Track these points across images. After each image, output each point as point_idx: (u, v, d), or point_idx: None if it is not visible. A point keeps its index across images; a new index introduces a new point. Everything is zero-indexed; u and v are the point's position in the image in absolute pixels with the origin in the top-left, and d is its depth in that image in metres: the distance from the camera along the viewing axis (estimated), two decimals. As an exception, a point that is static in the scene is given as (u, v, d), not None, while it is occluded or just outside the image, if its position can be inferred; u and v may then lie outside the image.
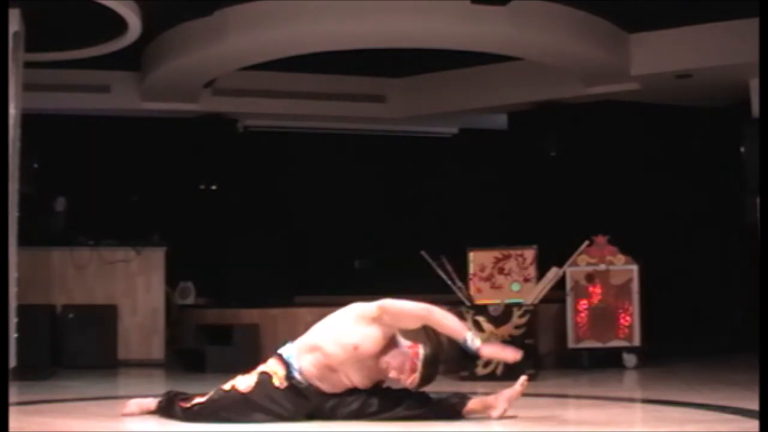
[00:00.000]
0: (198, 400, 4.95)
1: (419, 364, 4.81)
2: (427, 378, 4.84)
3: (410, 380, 4.82)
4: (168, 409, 5.08)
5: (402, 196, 11.52)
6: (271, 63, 9.48)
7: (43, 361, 8.46)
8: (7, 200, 7.20)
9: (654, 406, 5.87)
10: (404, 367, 4.81)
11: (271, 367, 4.93)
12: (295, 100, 10.79)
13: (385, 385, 5.00)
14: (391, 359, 4.82)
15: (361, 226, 11.20)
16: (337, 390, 4.89)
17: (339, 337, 4.84)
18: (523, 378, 5.04)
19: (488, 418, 4.93)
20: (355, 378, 4.87)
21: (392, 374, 4.83)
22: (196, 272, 10.22)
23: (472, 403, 4.98)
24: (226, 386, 4.94)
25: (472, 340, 4.81)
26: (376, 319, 4.81)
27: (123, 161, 10.59)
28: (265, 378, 4.89)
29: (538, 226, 10.02)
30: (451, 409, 4.94)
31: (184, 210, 10.66)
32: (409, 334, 4.94)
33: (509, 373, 7.44)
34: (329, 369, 4.85)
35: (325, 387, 4.89)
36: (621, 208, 10.14)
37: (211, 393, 4.95)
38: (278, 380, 4.88)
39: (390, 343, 4.84)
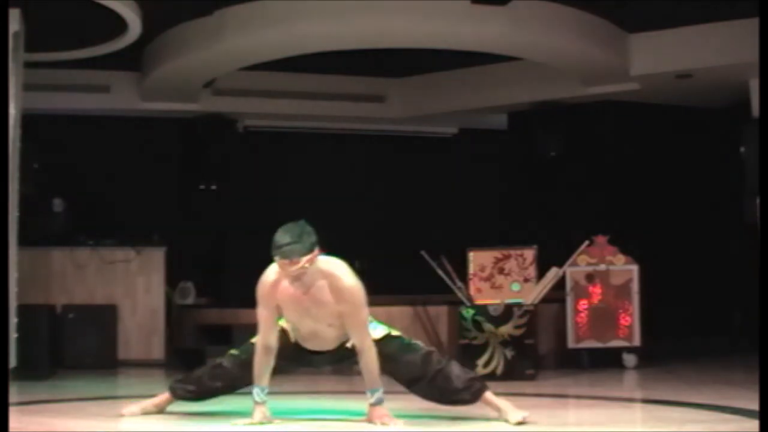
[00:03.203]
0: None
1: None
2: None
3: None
4: (180, 390, 5.34)
5: (402, 196, 11.50)
6: (271, 63, 9.48)
7: (43, 361, 8.44)
8: (7, 200, 7.18)
9: (654, 406, 5.86)
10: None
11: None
12: (295, 100, 10.79)
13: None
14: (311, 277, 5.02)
15: (361, 226, 11.18)
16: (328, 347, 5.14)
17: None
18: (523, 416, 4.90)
19: (497, 419, 4.89)
20: (329, 334, 5.13)
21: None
22: (196, 272, 10.22)
23: (491, 396, 4.96)
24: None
25: (381, 393, 4.81)
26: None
27: (123, 161, 10.59)
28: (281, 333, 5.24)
29: (538, 226, 10.02)
30: (469, 393, 4.92)
31: (184, 210, 10.66)
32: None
33: (509, 372, 7.48)
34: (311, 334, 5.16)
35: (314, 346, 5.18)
36: (621, 208, 10.14)
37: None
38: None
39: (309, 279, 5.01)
